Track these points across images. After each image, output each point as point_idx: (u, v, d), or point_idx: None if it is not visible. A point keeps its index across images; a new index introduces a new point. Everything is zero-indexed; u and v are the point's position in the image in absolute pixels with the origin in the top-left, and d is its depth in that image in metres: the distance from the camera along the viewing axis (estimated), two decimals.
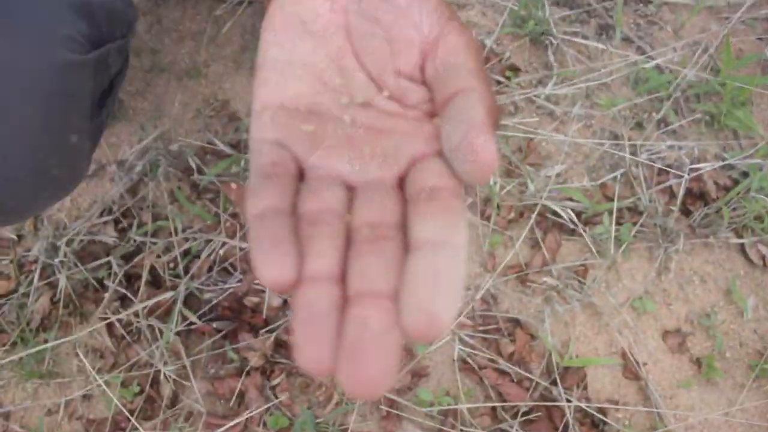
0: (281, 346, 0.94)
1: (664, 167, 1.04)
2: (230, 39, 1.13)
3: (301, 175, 0.36)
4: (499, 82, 1.11)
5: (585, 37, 1.15)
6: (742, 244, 1.03)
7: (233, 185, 0.99)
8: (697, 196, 1.05)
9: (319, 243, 0.30)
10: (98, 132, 0.67)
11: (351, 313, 0.28)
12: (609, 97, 1.10)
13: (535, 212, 1.01)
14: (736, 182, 1.04)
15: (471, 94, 0.34)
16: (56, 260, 0.97)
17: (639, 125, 1.09)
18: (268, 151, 0.35)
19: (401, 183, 0.35)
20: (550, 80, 1.10)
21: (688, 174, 1.03)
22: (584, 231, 1.00)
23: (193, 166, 1.02)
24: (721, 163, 1.05)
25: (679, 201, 1.02)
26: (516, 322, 0.96)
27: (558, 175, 1.04)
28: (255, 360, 0.91)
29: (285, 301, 0.95)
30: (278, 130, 0.36)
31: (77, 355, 0.94)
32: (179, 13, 1.14)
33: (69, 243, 0.98)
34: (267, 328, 0.94)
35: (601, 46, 1.14)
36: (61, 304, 0.95)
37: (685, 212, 1.04)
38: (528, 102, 1.10)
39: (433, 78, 0.37)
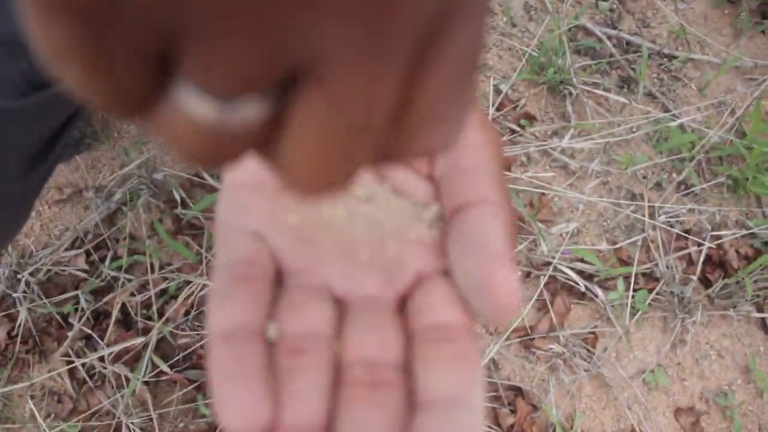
0: None
1: (683, 232, 1.05)
2: None
3: (278, 280, 0.31)
4: (513, 131, 1.11)
5: (606, 90, 1.15)
6: (764, 319, 1.03)
7: None
8: (716, 264, 1.05)
9: (301, 379, 0.26)
10: (42, 179, 0.62)
11: None
12: (628, 154, 1.11)
13: (547, 273, 1.01)
14: (758, 252, 1.05)
15: (488, 209, 0.29)
16: (18, 292, 0.94)
17: (658, 186, 1.09)
18: (243, 244, 0.30)
19: (401, 303, 0.31)
20: (567, 132, 1.11)
21: (709, 241, 1.03)
22: (596, 295, 0.99)
23: (178, 198, 1.00)
24: (743, 232, 1.05)
25: (698, 269, 1.02)
26: (517, 391, 0.95)
27: (571, 234, 1.04)
28: None
29: None
30: (259, 217, 0.31)
31: (32, 397, 0.91)
32: None
33: (34, 273, 0.96)
34: None
35: (622, 99, 1.15)
36: (19, 339, 0.93)
37: (704, 281, 1.04)
38: (542, 154, 1.10)
39: (443, 177, 0.33)
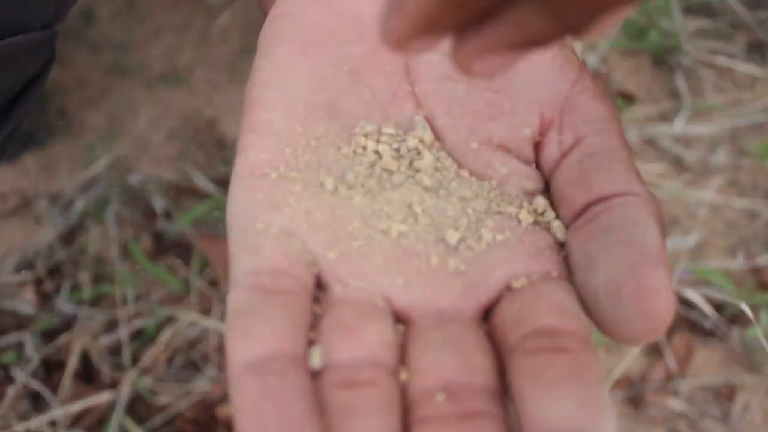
0: None
1: None
2: (226, 36, 1.13)
3: (319, 293, 0.33)
4: None
5: (730, 58, 1.13)
6: None
7: (213, 239, 0.98)
8: None
9: (361, 422, 0.26)
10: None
11: None
12: (764, 141, 1.07)
13: None
14: None
15: (635, 202, 0.32)
16: None
17: None
18: (271, 247, 0.32)
19: (483, 316, 0.32)
20: (679, 115, 1.09)
21: None
22: (730, 332, 0.96)
23: (158, 208, 1.00)
24: None
25: None
26: None
27: (691, 249, 1.01)
28: None
29: None
30: (289, 212, 0.34)
31: None
32: None
33: None
34: None
35: (752, 70, 1.12)
36: None
37: None
38: (648, 143, 1.09)
39: (563, 164, 0.35)
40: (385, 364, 0.29)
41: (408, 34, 0.24)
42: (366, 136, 0.37)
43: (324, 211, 0.34)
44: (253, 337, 0.27)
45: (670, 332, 0.97)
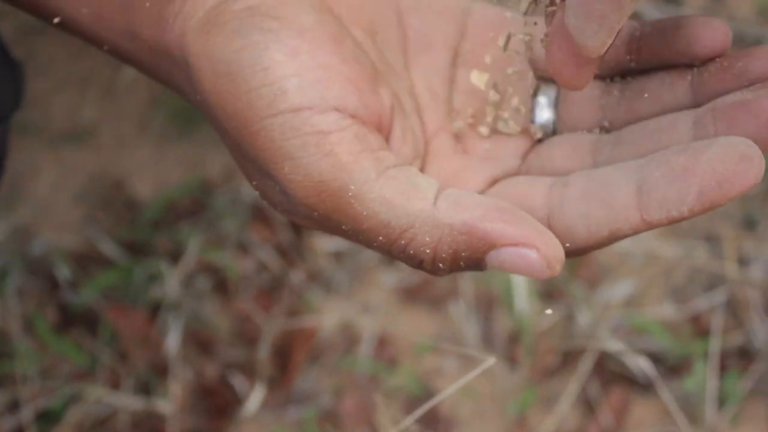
0: None
1: None
2: (133, 88, 1.14)
3: None
4: None
5: None
6: None
7: (122, 309, 0.98)
8: None
9: None
10: None
11: None
12: None
13: (592, 357, 0.99)
14: None
15: None
16: None
17: (749, 223, 1.07)
18: None
19: None
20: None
21: None
22: (666, 385, 0.95)
23: (63, 278, 0.99)
24: None
25: None
26: None
27: (625, 298, 1.03)
28: None
29: None
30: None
31: None
32: (61, 48, 1.16)
33: None
34: None
35: None
36: None
37: None
38: None
39: None
40: None
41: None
42: None
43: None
44: None
45: (604, 388, 0.99)
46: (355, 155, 0.38)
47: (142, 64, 0.44)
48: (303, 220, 0.41)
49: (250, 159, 0.40)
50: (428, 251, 0.38)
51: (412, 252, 0.38)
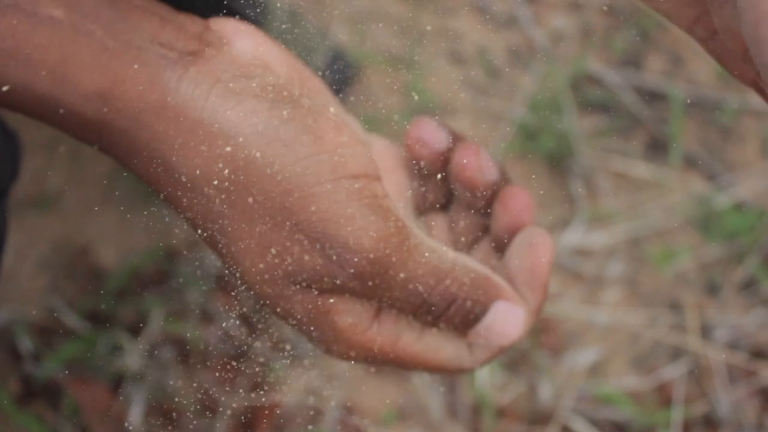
0: None
1: (752, 354, 1.04)
2: (99, 155, 1.06)
3: None
4: None
5: (629, 157, 1.16)
6: None
7: (85, 382, 0.98)
8: None
9: None
10: None
11: None
12: (665, 247, 1.10)
13: (556, 429, 1.00)
14: None
15: None
16: None
17: (712, 289, 1.09)
18: None
19: None
20: (573, 226, 1.11)
21: None
22: None
23: (25, 349, 0.98)
24: None
25: None
26: None
27: (589, 366, 1.04)
28: None
29: None
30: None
31: None
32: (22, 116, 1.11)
33: None
34: None
35: (651, 171, 1.15)
36: None
37: None
38: None
39: None
40: None
41: None
42: None
43: None
44: None
45: None
46: (401, 213, 0.45)
47: (102, 129, 0.44)
48: (346, 279, 0.44)
49: (289, 225, 0.43)
50: (465, 289, 0.45)
51: (453, 291, 0.45)
